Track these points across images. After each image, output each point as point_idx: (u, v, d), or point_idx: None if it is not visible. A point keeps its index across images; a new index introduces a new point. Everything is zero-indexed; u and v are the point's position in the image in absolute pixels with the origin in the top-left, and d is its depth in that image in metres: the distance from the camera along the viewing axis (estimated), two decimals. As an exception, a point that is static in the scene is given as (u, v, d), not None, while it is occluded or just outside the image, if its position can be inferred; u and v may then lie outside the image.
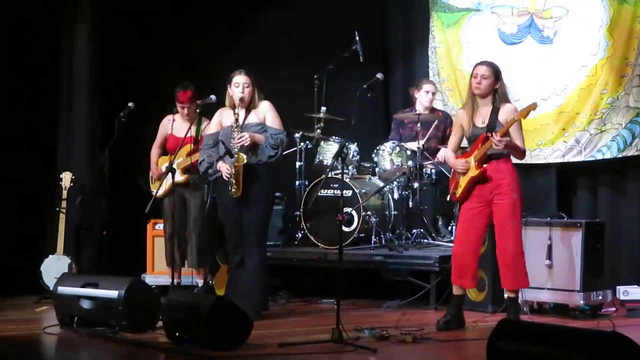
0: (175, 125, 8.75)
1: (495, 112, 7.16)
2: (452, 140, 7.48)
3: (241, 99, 7.70)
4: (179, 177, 8.49)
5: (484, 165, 7.14)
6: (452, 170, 7.50)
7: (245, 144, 7.58)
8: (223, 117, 7.85)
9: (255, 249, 7.70)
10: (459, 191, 7.31)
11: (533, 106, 7.00)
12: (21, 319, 7.94)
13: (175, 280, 8.46)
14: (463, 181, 7.27)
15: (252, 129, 7.69)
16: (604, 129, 9.38)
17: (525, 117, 7.03)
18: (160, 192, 8.46)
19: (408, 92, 9.80)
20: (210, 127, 7.97)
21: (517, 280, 7.21)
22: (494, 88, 7.20)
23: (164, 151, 8.84)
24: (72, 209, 9.20)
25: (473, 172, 7.18)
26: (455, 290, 7.39)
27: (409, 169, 9.18)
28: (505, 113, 7.14)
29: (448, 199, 7.79)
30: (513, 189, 7.15)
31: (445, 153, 7.54)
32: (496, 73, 7.21)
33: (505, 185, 7.14)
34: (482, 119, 7.20)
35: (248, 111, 7.78)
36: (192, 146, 8.55)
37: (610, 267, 8.73)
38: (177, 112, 8.72)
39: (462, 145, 7.56)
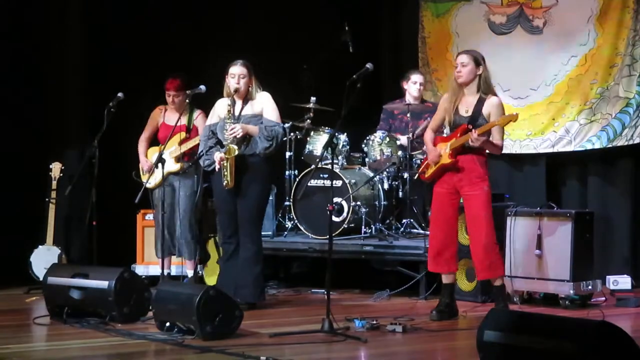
0: (167, 115, 8.76)
1: (480, 103, 7.17)
2: (434, 121, 7.49)
3: (236, 90, 7.67)
4: (173, 166, 8.51)
5: (457, 157, 7.16)
6: None
7: (237, 136, 7.56)
8: (220, 108, 7.82)
9: (249, 239, 7.70)
10: (428, 172, 7.37)
11: (514, 117, 7.03)
12: (11, 310, 7.94)
13: (165, 271, 8.47)
14: (434, 164, 7.30)
15: (248, 121, 7.66)
16: (594, 119, 9.39)
17: (504, 125, 7.06)
18: (152, 183, 8.46)
19: (398, 82, 9.78)
20: (210, 118, 7.94)
21: (491, 269, 7.22)
22: (476, 74, 7.20)
23: (154, 142, 8.84)
24: (62, 200, 9.18)
25: (445, 159, 7.22)
26: (445, 279, 7.41)
27: (399, 159, 9.18)
28: (489, 106, 7.15)
29: (416, 177, 7.80)
30: (484, 180, 7.19)
31: (425, 134, 7.55)
32: (476, 60, 7.22)
33: (475, 176, 7.17)
34: (466, 107, 7.21)
35: (245, 102, 7.75)
36: (184, 135, 8.57)
37: (600, 257, 8.76)
38: (163, 103, 8.76)
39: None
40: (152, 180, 8.40)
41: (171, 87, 8.61)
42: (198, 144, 8.26)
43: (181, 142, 8.57)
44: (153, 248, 8.88)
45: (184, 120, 8.58)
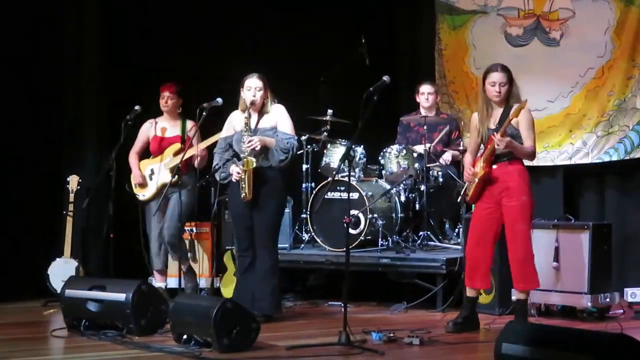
0: (157, 127, 8.77)
1: (506, 111, 7.16)
2: (470, 144, 7.49)
3: (252, 103, 7.68)
4: (167, 178, 8.46)
5: (492, 166, 7.15)
6: None
7: (256, 148, 7.56)
8: (236, 121, 7.83)
9: (266, 251, 7.70)
10: (470, 192, 7.32)
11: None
12: (28, 322, 7.95)
13: (162, 284, 8.51)
14: (473, 182, 7.28)
15: (264, 133, 7.67)
16: (611, 131, 9.37)
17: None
18: (146, 195, 8.52)
19: (414, 94, 9.79)
20: (225, 131, 7.95)
21: (526, 282, 7.20)
22: (510, 91, 7.19)
23: (145, 156, 8.84)
24: (79, 212, 9.20)
25: (480, 172, 7.19)
26: (469, 292, 7.39)
27: (416, 171, 9.17)
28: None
29: (458, 200, 7.78)
30: (522, 191, 7.14)
31: (465, 158, 7.56)
32: (511, 77, 7.21)
33: (514, 187, 7.13)
34: (494, 120, 7.21)
35: (261, 115, 7.76)
36: (179, 146, 8.58)
37: (618, 269, 8.73)
38: (161, 114, 8.81)
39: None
40: (146, 193, 8.44)
41: (166, 89, 8.70)
42: (193, 155, 8.31)
43: (176, 154, 8.57)
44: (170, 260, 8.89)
45: (177, 131, 8.63)
